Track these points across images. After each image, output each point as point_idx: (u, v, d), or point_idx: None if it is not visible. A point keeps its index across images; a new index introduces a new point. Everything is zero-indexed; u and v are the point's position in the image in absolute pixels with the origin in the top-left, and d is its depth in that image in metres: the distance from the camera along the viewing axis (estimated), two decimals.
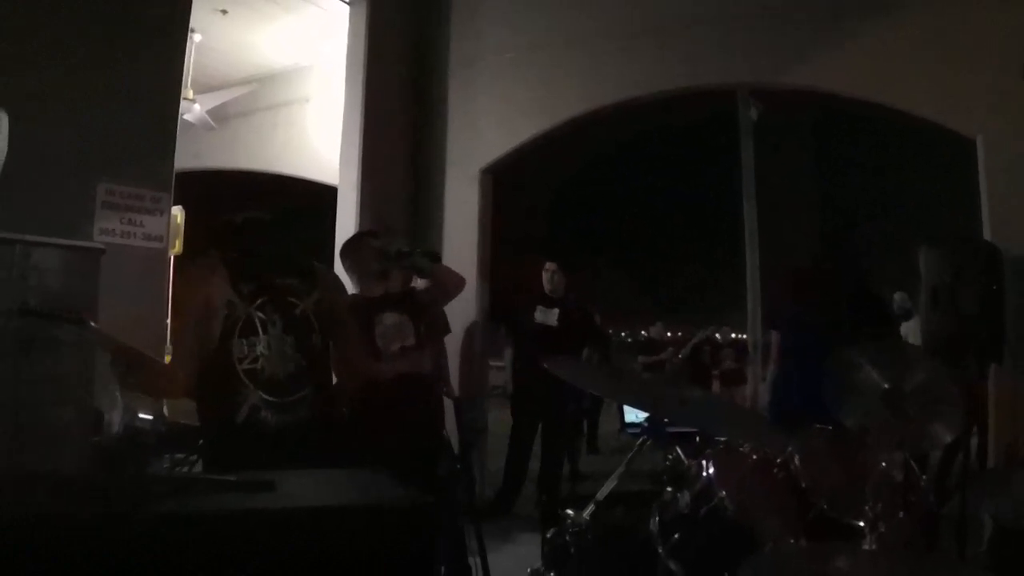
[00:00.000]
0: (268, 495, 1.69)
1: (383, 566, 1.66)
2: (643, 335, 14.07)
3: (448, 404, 4.12)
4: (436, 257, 4.20)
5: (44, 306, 2.72)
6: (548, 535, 2.12)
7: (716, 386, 11.31)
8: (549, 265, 6.29)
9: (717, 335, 12.83)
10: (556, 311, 6.15)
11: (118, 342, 2.70)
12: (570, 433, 8.28)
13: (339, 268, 4.32)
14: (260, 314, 2.76)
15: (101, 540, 1.52)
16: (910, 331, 7.11)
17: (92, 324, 2.70)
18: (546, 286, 6.27)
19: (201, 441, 3.13)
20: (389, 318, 3.96)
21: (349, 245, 4.26)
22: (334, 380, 3.15)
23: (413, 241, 6.04)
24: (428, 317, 4.30)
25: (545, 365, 2.29)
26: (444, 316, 5.40)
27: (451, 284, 4.27)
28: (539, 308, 6.18)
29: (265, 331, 2.75)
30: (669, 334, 13.79)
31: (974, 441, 5.13)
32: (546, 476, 6.16)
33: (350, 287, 4.08)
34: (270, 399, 2.73)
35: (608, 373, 2.67)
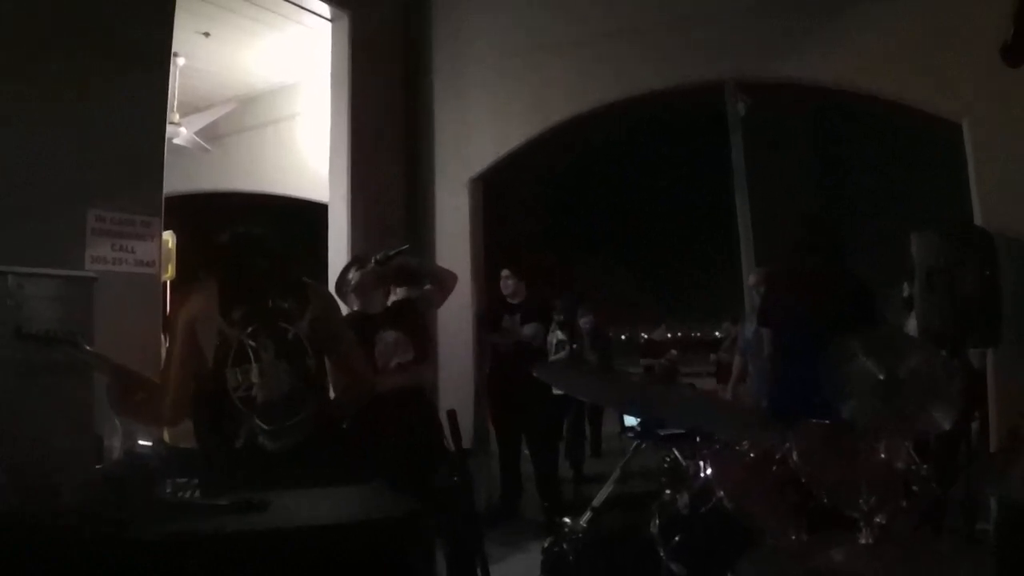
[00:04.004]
0: (261, 515, 1.69)
1: None
2: (643, 336, 14.07)
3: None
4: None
5: (39, 329, 2.71)
6: (545, 544, 2.12)
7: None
8: (504, 272, 6.28)
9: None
10: (518, 317, 6.14)
11: (113, 362, 2.70)
12: (571, 437, 8.28)
13: (333, 286, 4.36)
14: (251, 342, 2.72)
15: (98, 564, 1.52)
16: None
17: (87, 347, 2.70)
18: (504, 293, 6.28)
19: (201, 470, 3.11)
20: (388, 336, 4.01)
21: (339, 277, 4.32)
22: (331, 397, 3.13)
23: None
24: (426, 328, 4.34)
25: (535, 373, 2.28)
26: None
27: (446, 279, 4.35)
28: (504, 316, 6.19)
29: (258, 359, 2.72)
30: (669, 335, 13.79)
31: (974, 425, 5.12)
32: (540, 482, 6.15)
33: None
34: (266, 427, 2.70)
35: (597, 377, 2.65)
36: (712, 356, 11.03)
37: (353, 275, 4.14)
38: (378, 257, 4.07)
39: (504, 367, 6.07)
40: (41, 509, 1.74)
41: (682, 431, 2.29)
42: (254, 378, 2.71)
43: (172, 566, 1.54)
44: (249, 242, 2.89)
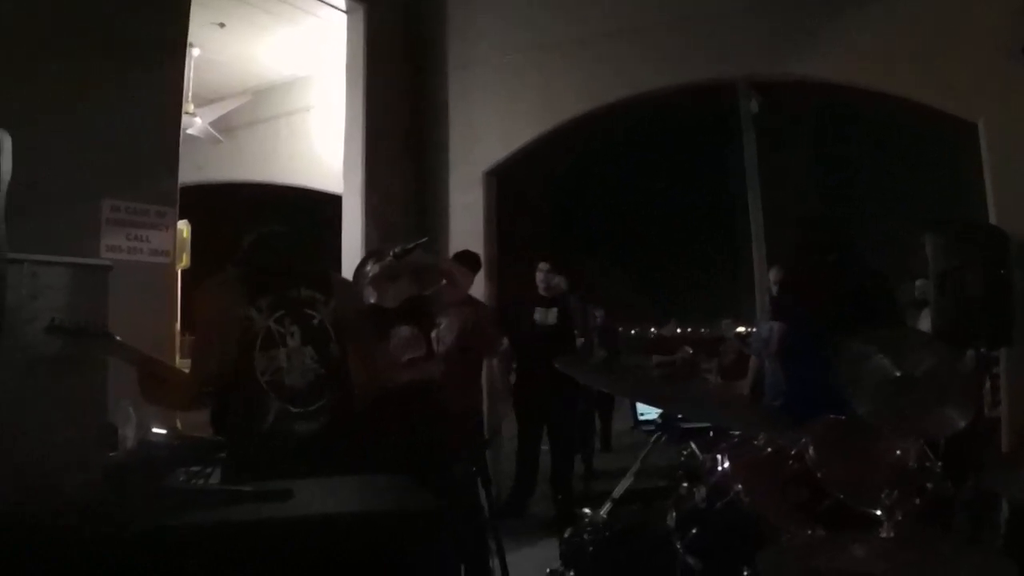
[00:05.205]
0: (281, 504, 1.70)
1: (397, 571, 1.66)
2: (652, 332, 14.06)
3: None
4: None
5: (70, 321, 2.74)
6: (565, 535, 2.13)
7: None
8: (542, 265, 6.29)
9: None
10: (555, 310, 6.15)
11: (143, 354, 2.76)
12: (581, 432, 8.30)
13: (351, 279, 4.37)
14: (278, 327, 2.83)
15: (119, 552, 1.53)
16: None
17: (117, 338, 2.74)
18: (540, 286, 6.28)
19: (224, 455, 3.15)
20: (403, 331, 4.02)
21: (357, 270, 4.33)
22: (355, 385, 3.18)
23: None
24: (439, 324, 4.35)
25: (556, 365, 2.29)
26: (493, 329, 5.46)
27: (460, 277, 4.36)
28: (537, 309, 6.19)
29: (284, 343, 2.82)
30: (679, 330, 13.77)
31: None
32: (557, 476, 6.17)
33: None
34: (293, 409, 2.79)
35: (620, 371, 2.67)
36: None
37: (371, 268, 4.14)
38: (396, 251, 4.06)
39: (531, 364, 6.09)
40: (42, 508, 1.75)
41: (705, 424, 2.30)
42: (282, 362, 2.81)
43: (174, 564, 1.55)
44: (272, 240, 2.99)
